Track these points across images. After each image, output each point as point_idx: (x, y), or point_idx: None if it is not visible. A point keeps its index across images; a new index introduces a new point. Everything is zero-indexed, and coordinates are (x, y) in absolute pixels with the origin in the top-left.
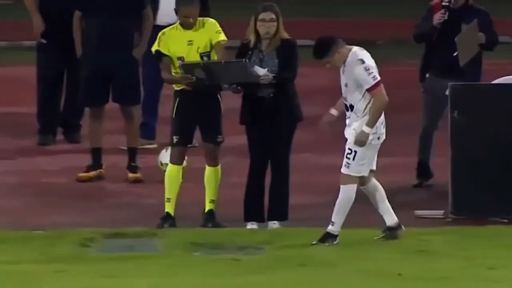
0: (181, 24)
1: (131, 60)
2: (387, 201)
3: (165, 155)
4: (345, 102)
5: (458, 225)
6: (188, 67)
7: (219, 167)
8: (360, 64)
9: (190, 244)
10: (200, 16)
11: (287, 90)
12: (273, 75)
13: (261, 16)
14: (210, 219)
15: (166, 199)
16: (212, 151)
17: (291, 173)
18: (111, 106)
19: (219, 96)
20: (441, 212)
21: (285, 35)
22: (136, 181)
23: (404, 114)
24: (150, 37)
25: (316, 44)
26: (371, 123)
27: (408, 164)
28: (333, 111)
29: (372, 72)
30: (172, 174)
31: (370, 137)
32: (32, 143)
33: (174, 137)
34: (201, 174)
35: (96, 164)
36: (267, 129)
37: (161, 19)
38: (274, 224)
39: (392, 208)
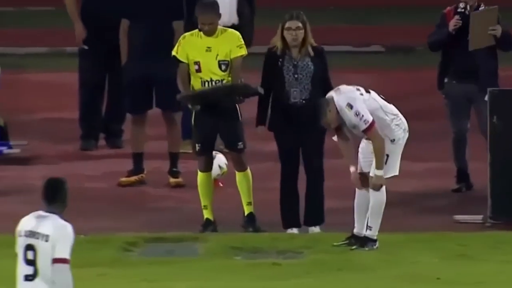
0: (201, 31)
1: (172, 66)
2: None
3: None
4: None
5: (497, 230)
6: (184, 98)
7: (248, 171)
8: (350, 110)
9: (230, 249)
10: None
11: (320, 99)
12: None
13: (287, 24)
14: (250, 222)
15: (203, 207)
16: (236, 157)
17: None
18: (153, 111)
19: (236, 105)
20: (480, 217)
21: (313, 42)
22: (177, 185)
23: (437, 120)
24: None
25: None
26: (380, 165)
27: (445, 169)
28: (352, 168)
29: (362, 116)
30: (203, 181)
31: (399, 138)
32: (74, 148)
33: (197, 145)
34: None
35: (138, 169)
36: (298, 135)
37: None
38: (315, 228)
39: (431, 212)
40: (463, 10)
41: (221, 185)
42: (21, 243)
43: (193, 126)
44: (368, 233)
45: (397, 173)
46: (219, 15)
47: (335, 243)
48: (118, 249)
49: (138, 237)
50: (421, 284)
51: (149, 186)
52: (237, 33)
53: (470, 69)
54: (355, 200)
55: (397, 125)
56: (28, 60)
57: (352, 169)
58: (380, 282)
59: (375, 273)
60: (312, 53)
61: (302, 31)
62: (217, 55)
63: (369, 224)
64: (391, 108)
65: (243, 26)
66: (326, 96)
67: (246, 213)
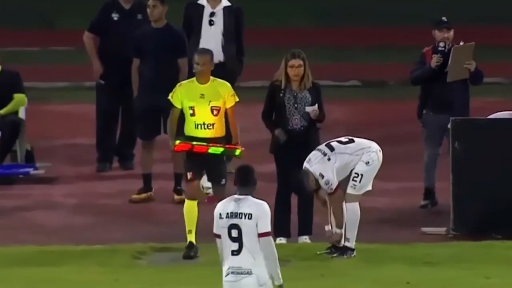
0: (196, 77)
1: None
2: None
3: (205, 180)
4: None
5: (458, 241)
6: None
7: None
8: (322, 179)
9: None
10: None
11: (315, 125)
12: (316, 107)
13: (290, 62)
14: None
15: (187, 231)
16: (219, 191)
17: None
18: (160, 137)
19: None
20: (443, 229)
21: (311, 77)
22: (181, 202)
23: (407, 145)
24: None
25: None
26: (339, 224)
27: (414, 187)
28: (327, 227)
29: (330, 184)
30: (189, 208)
31: (373, 159)
32: (91, 169)
33: (189, 173)
34: None
35: (147, 187)
36: (295, 157)
37: None
38: (305, 239)
39: (401, 225)
40: (443, 48)
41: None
42: (223, 224)
43: (186, 158)
44: (346, 243)
45: (370, 189)
46: (212, 63)
47: (318, 252)
48: (130, 258)
49: (147, 246)
50: (393, 287)
51: (156, 203)
52: (228, 83)
53: (446, 101)
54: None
55: (368, 152)
56: (51, 93)
57: (327, 228)
58: (357, 286)
59: (353, 278)
60: (309, 86)
61: (303, 67)
62: (210, 101)
63: (347, 236)
64: (358, 144)
65: (228, 63)
66: (303, 169)
67: None
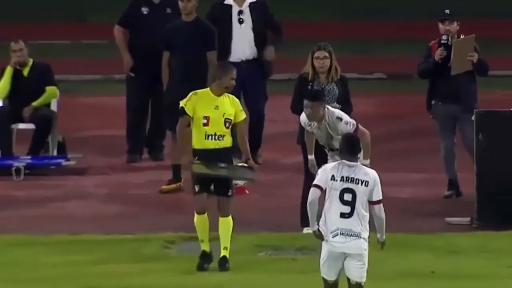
0: (226, 88)
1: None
2: None
3: None
4: (329, 147)
5: (482, 231)
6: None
7: (230, 218)
8: (341, 121)
9: (255, 246)
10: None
11: None
12: (340, 106)
13: (316, 54)
14: (223, 263)
15: (200, 241)
16: (223, 203)
17: None
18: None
19: (230, 156)
20: (468, 219)
21: (339, 69)
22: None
23: (432, 137)
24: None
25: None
26: (366, 156)
27: (438, 179)
28: (311, 157)
29: (349, 123)
30: (199, 222)
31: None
32: (122, 160)
33: (196, 186)
34: (266, 187)
35: (176, 178)
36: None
37: (234, 57)
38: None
39: (426, 215)
40: (446, 41)
41: (247, 192)
42: (336, 186)
43: (194, 172)
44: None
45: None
46: None
47: None
48: (159, 247)
49: (176, 236)
50: (418, 277)
51: (185, 193)
52: (237, 99)
53: (453, 92)
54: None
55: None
56: (83, 86)
57: (310, 157)
58: (383, 276)
59: (378, 267)
60: (336, 79)
61: (329, 60)
62: (224, 113)
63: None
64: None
65: (262, 58)
66: (317, 101)
67: (221, 255)
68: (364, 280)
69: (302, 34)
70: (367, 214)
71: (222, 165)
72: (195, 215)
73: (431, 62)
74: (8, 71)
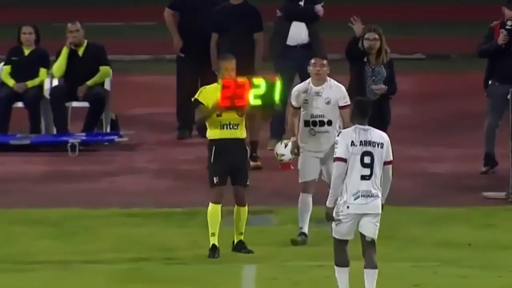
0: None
1: (252, 69)
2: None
3: (280, 147)
4: (322, 119)
5: None
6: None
7: (246, 207)
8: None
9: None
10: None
11: (388, 97)
12: (386, 87)
13: (366, 35)
14: (242, 247)
15: (210, 234)
16: (240, 192)
17: None
18: None
19: (246, 146)
20: (503, 193)
21: (388, 52)
22: (257, 168)
23: (469, 115)
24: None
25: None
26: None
27: (475, 154)
28: (293, 138)
29: (347, 97)
30: (213, 212)
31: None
32: (172, 137)
33: (214, 178)
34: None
35: None
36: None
37: (291, 41)
38: None
39: (463, 190)
40: (510, 27)
41: (292, 167)
42: (356, 151)
43: (212, 163)
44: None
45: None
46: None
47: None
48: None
49: (223, 210)
50: (456, 248)
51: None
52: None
53: (510, 73)
54: (300, 204)
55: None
56: (134, 65)
57: (293, 138)
58: (423, 248)
59: (417, 240)
60: (386, 60)
61: (378, 41)
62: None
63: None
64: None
65: (314, 41)
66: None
67: (236, 240)
68: (377, 236)
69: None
70: (381, 174)
71: None
72: (210, 204)
73: (494, 45)
74: (64, 51)
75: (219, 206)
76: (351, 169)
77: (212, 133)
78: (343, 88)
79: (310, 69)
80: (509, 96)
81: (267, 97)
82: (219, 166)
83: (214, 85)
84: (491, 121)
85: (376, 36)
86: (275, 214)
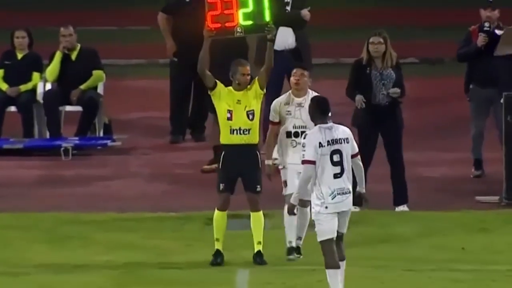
0: (239, 85)
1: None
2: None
3: (274, 152)
4: (304, 130)
5: (511, 208)
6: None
7: (261, 212)
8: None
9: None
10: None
11: (398, 101)
12: (399, 90)
13: (371, 39)
14: (259, 258)
15: (215, 239)
16: (253, 198)
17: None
18: None
19: (257, 152)
20: (496, 197)
21: (394, 55)
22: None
23: (463, 118)
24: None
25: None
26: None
27: (469, 158)
28: (269, 162)
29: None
30: (219, 218)
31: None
32: (165, 141)
33: (221, 184)
34: None
35: (218, 158)
36: (379, 131)
37: (277, 45)
38: (404, 207)
39: (456, 194)
40: (488, 28)
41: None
42: (325, 151)
43: (220, 168)
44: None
45: None
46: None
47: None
48: (202, 224)
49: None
50: (449, 252)
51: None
52: (258, 81)
53: (491, 76)
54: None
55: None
56: (128, 70)
57: (267, 162)
58: (416, 251)
59: (411, 243)
60: (392, 64)
61: (383, 45)
62: (246, 106)
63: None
64: None
65: (300, 46)
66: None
67: (255, 250)
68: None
69: (341, 22)
70: (351, 168)
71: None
72: (216, 211)
73: (473, 47)
74: (58, 56)
75: (224, 213)
76: (323, 169)
77: (222, 138)
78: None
79: (291, 79)
80: (502, 100)
81: (257, 15)
82: (226, 173)
83: (228, 88)
84: (476, 125)
85: (381, 40)
86: (269, 218)
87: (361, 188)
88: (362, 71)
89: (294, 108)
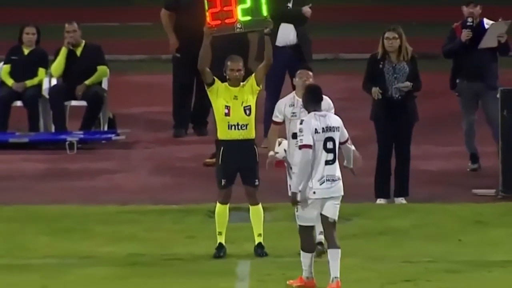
0: (229, 80)
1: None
2: None
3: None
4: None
5: (507, 201)
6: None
7: (259, 205)
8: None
9: (292, 215)
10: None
11: (412, 94)
12: (411, 84)
13: (386, 35)
14: (260, 249)
15: (217, 233)
16: (251, 192)
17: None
18: None
19: (255, 146)
20: (493, 190)
21: (409, 50)
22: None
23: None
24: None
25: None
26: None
27: (466, 152)
28: (271, 153)
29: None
30: (221, 212)
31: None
32: (168, 135)
33: (222, 180)
34: None
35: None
36: (394, 124)
37: (279, 42)
38: (402, 200)
39: (453, 187)
40: (471, 23)
41: (286, 165)
42: (319, 137)
43: (220, 164)
44: None
45: None
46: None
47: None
48: (203, 216)
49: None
50: (446, 244)
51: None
52: (253, 77)
53: (477, 70)
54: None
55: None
56: (131, 65)
57: (271, 153)
58: (412, 242)
59: (409, 235)
60: (407, 58)
61: (398, 40)
62: (243, 102)
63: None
64: None
65: (301, 42)
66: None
67: (256, 242)
68: (337, 217)
69: (343, 17)
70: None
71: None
72: (218, 204)
73: (458, 43)
74: (63, 51)
75: (226, 206)
76: (315, 155)
77: (220, 134)
78: (329, 100)
79: (296, 80)
80: (498, 95)
81: (254, 10)
82: (226, 168)
83: (224, 84)
84: (467, 120)
85: (396, 35)
86: (269, 211)
87: (349, 164)
88: (376, 65)
89: (299, 109)
